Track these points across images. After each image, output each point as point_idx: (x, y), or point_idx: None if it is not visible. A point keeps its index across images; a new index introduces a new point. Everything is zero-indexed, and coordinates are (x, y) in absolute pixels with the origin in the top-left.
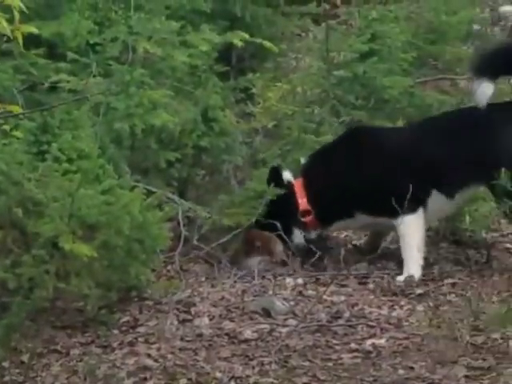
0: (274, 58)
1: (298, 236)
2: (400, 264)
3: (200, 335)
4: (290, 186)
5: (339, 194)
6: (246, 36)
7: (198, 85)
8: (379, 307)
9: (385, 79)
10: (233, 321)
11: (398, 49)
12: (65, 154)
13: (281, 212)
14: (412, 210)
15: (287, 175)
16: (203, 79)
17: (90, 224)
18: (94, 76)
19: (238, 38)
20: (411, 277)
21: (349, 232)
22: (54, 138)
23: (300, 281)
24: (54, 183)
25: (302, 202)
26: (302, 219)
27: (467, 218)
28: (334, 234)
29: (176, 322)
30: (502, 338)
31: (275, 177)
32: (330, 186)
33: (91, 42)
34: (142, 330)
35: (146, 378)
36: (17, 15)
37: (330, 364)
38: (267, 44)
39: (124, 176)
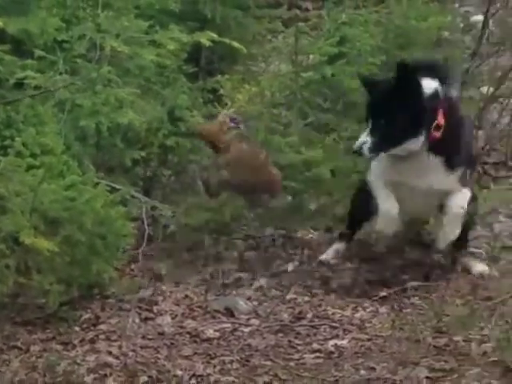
0: (243, 60)
1: (418, 142)
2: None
3: (162, 333)
4: (435, 94)
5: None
6: (215, 36)
7: (165, 84)
8: (342, 309)
9: (353, 82)
10: (195, 320)
11: (367, 52)
12: (28, 148)
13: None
14: None
15: (433, 83)
16: (171, 79)
17: (53, 219)
18: (61, 73)
19: (207, 38)
20: None
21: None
22: (17, 133)
23: (263, 281)
24: (17, 178)
25: (440, 116)
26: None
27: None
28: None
29: (138, 320)
30: (464, 341)
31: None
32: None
33: (58, 39)
34: (103, 327)
35: (106, 375)
36: None
37: (292, 364)
38: (236, 44)
39: (88, 173)
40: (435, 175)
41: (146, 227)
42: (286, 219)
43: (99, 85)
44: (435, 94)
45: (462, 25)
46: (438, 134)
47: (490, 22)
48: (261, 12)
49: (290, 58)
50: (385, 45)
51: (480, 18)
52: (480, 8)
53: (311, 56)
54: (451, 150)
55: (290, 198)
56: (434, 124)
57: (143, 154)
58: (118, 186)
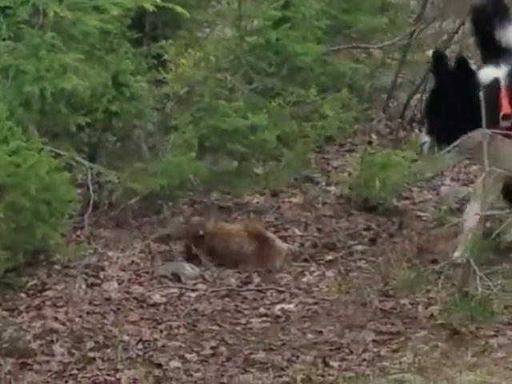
0: (187, 25)
1: (481, 137)
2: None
3: (108, 299)
4: (496, 83)
5: None
6: (158, 1)
7: (109, 50)
8: (289, 273)
9: (298, 46)
10: (142, 285)
11: (312, 16)
12: None
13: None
14: None
15: (494, 72)
16: (115, 45)
17: None
18: (4, 39)
19: (150, 2)
20: None
21: None
22: None
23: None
24: None
25: (505, 105)
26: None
27: (377, 184)
28: None
29: (84, 286)
30: (410, 304)
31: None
32: None
33: (1, 4)
34: (49, 293)
35: (52, 341)
36: None
37: (239, 328)
38: (179, 9)
39: (32, 138)
40: None
41: (92, 193)
42: (232, 184)
43: (43, 50)
44: (495, 83)
45: None
46: (507, 123)
47: None
48: None
49: (235, 23)
50: (330, 9)
51: None
52: None
53: (255, 20)
54: None
55: (235, 162)
56: (501, 115)
57: (88, 119)
58: (62, 152)
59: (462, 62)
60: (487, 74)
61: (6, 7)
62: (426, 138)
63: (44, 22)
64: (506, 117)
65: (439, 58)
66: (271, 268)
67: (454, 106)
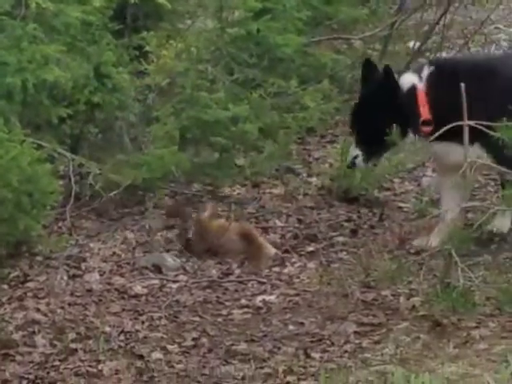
0: (168, 16)
1: (410, 142)
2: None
3: (90, 290)
4: (413, 90)
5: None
6: None
7: (91, 42)
8: (270, 264)
9: (279, 38)
10: (123, 276)
11: (293, 8)
12: None
13: (395, 115)
14: None
15: (410, 78)
16: (97, 36)
17: None
18: None
19: None
20: None
21: None
22: None
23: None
24: None
25: (424, 111)
26: (422, 127)
27: (358, 175)
28: None
29: (66, 278)
30: (392, 295)
31: (387, 77)
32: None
33: None
34: (31, 285)
35: (34, 332)
36: None
37: (220, 319)
38: (160, 1)
39: (14, 130)
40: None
41: (73, 184)
42: (214, 175)
43: (25, 42)
44: (412, 90)
45: None
46: (428, 129)
47: None
48: None
49: (216, 14)
50: (310, 0)
51: None
52: None
53: (236, 12)
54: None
55: (217, 154)
56: (421, 120)
57: (70, 111)
58: (44, 144)
59: (387, 72)
60: (405, 80)
61: None
62: (356, 152)
63: (26, 13)
64: (425, 122)
65: (368, 67)
66: (255, 269)
67: (379, 117)
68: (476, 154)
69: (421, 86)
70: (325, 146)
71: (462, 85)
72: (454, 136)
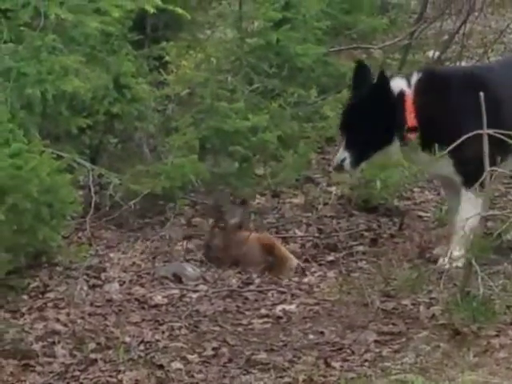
0: (188, 27)
1: (396, 149)
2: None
3: (110, 300)
4: (401, 95)
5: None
6: (159, 3)
7: (110, 52)
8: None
9: (298, 47)
10: (143, 286)
11: (312, 17)
12: None
13: (384, 120)
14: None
15: (399, 84)
16: (116, 46)
17: None
18: (5, 42)
19: (151, 4)
20: None
21: None
22: None
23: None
24: None
25: (410, 118)
26: (407, 134)
27: (378, 184)
28: None
29: (86, 288)
30: (412, 304)
31: (381, 81)
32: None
33: (2, 7)
34: (51, 295)
35: (54, 343)
36: None
37: (240, 329)
38: (180, 11)
39: (34, 141)
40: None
41: (93, 195)
42: (233, 185)
43: (44, 53)
44: (400, 96)
45: None
46: (413, 136)
47: None
48: None
49: (235, 24)
50: (330, 10)
51: None
52: None
53: (256, 22)
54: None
55: (236, 163)
56: (406, 127)
57: (89, 121)
58: (64, 154)
59: (382, 77)
60: (394, 85)
61: (8, 10)
62: (344, 154)
63: (45, 24)
64: (410, 129)
65: (361, 69)
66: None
67: (370, 120)
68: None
69: (409, 93)
70: None
71: (482, 94)
72: (431, 148)
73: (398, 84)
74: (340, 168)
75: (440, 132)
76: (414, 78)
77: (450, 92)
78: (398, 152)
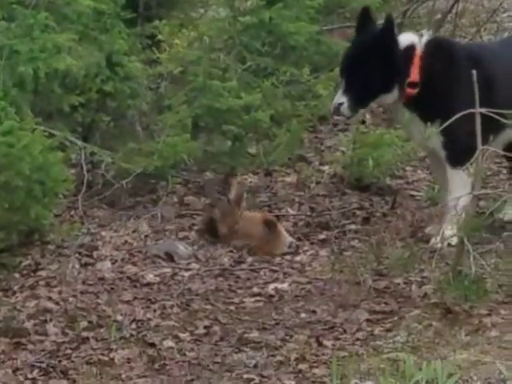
0: (181, 5)
1: (393, 99)
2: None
3: (102, 279)
4: (410, 49)
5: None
6: None
7: (103, 30)
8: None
9: (291, 26)
10: (135, 265)
11: None
12: None
13: (386, 66)
14: None
15: (411, 38)
16: (109, 25)
17: None
18: None
19: None
20: None
21: None
22: None
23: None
24: None
25: (414, 72)
26: (406, 88)
27: (370, 163)
28: None
29: (78, 266)
30: (404, 283)
31: (387, 26)
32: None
33: None
34: (43, 273)
35: (46, 321)
36: None
37: (232, 308)
38: None
39: (26, 119)
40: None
41: (85, 173)
42: (226, 164)
43: (36, 31)
44: (410, 49)
45: None
46: (412, 91)
47: None
48: None
49: (228, 3)
50: None
51: None
52: None
53: (249, 0)
54: (426, 107)
55: (229, 142)
56: (408, 81)
57: (81, 99)
58: (56, 132)
59: (389, 21)
60: (405, 39)
61: None
62: (342, 99)
63: (37, 2)
64: (411, 84)
65: (366, 15)
66: (270, 255)
67: (371, 66)
68: (430, 132)
69: (419, 48)
70: (337, 134)
71: (474, 72)
72: (423, 112)
73: (409, 37)
74: (337, 112)
75: (436, 98)
76: (425, 37)
77: (453, 63)
78: (395, 105)
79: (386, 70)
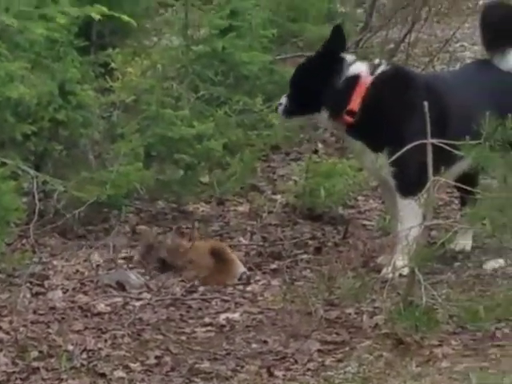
0: (134, 34)
1: (324, 121)
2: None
3: (53, 308)
4: (355, 77)
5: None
6: (105, 10)
7: (56, 58)
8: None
9: (244, 55)
10: (86, 294)
11: (259, 25)
12: None
13: (328, 93)
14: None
15: (359, 67)
16: (62, 53)
17: None
18: None
19: (97, 12)
20: None
21: None
22: None
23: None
24: None
25: (355, 102)
26: (344, 114)
27: (322, 193)
28: None
29: (29, 295)
30: (355, 313)
31: (333, 59)
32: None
33: None
34: None
35: None
36: None
37: (183, 338)
38: (126, 18)
39: None
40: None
41: (37, 202)
42: (178, 193)
43: None
44: (354, 77)
45: None
46: (349, 119)
47: None
48: None
49: (181, 32)
50: (276, 18)
51: None
52: None
53: (202, 29)
54: (370, 136)
55: (181, 171)
56: (346, 109)
57: (34, 128)
58: (8, 161)
59: (335, 34)
60: (355, 67)
61: None
62: (283, 100)
63: None
64: (350, 112)
65: (337, 33)
66: (222, 285)
67: (312, 81)
68: (381, 162)
69: (366, 79)
70: (289, 163)
71: (426, 103)
72: (369, 140)
73: (358, 66)
74: (276, 110)
75: (382, 127)
76: (380, 68)
77: (406, 93)
78: (340, 132)
79: (316, 90)
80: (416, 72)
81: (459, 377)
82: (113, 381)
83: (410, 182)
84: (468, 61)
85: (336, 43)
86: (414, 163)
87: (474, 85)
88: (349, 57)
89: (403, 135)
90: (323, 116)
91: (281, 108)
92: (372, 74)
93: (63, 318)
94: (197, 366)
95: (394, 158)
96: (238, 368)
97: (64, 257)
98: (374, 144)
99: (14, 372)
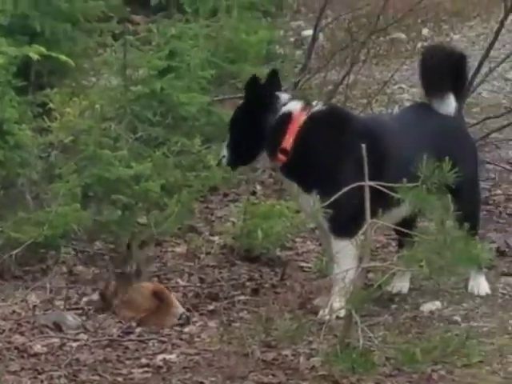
0: (73, 74)
1: (265, 161)
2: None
3: None
4: (288, 115)
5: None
6: (43, 50)
7: None
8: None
9: (182, 96)
10: (23, 335)
11: (197, 66)
12: None
13: (265, 132)
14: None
15: (294, 105)
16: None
17: None
18: None
19: (35, 52)
20: None
21: None
22: None
23: (93, 296)
24: None
25: (287, 140)
26: (278, 153)
27: (260, 234)
28: None
29: None
30: (292, 355)
31: (268, 98)
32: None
33: None
34: None
35: None
36: None
37: (120, 379)
38: (63, 58)
39: None
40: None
41: None
42: (115, 233)
43: None
44: (287, 116)
45: (292, 39)
46: (283, 158)
47: (321, 36)
48: (91, 26)
49: (120, 72)
50: (215, 58)
51: (311, 32)
52: (311, 22)
53: (141, 70)
54: (302, 176)
55: (119, 211)
56: (279, 147)
57: None
58: None
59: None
60: (288, 106)
61: None
62: (224, 152)
63: None
64: (282, 151)
65: (273, 75)
66: (160, 326)
67: (247, 128)
68: (312, 201)
69: (300, 117)
70: (227, 204)
71: (364, 146)
72: (301, 181)
73: (292, 105)
74: (219, 163)
75: (314, 168)
76: (315, 107)
77: (341, 134)
78: (268, 165)
79: (254, 133)
80: (353, 113)
81: None
82: None
83: (343, 224)
84: (406, 103)
85: (272, 84)
86: (347, 206)
87: (413, 128)
88: (283, 95)
89: (336, 176)
90: (264, 158)
91: (224, 160)
92: (306, 112)
93: None
94: None
95: (329, 201)
96: None
97: (0, 297)
98: (306, 185)
99: None
